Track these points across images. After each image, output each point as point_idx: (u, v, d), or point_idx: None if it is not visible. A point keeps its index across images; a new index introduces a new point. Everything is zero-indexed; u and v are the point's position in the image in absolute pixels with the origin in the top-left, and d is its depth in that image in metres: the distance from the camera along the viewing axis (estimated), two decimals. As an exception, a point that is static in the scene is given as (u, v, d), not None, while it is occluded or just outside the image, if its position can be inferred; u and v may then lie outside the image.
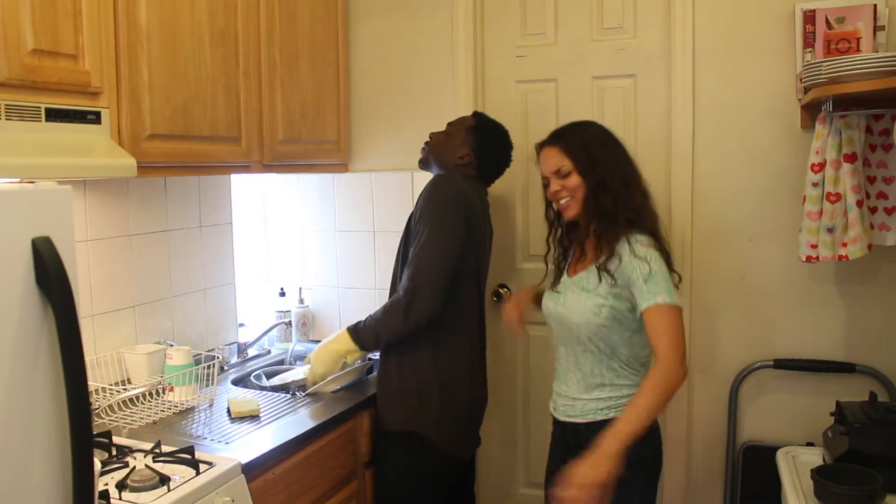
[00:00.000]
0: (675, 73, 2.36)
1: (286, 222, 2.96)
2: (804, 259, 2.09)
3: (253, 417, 1.99)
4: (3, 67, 1.48)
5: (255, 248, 2.93)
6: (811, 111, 2.16)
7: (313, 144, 2.55)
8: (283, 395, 2.21)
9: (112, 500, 1.47)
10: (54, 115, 1.58)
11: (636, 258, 1.74)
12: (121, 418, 1.92)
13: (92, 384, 1.92)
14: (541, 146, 1.93)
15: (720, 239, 2.36)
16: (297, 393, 2.20)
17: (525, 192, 2.63)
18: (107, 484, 1.53)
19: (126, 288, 2.26)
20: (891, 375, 2.20)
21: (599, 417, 1.82)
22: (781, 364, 2.29)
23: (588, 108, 2.52)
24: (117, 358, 2.17)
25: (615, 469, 1.61)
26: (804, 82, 1.99)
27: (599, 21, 2.49)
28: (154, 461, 1.66)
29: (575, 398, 1.87)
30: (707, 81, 2.33)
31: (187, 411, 2.04)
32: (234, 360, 2.59)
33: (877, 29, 2.09)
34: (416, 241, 2.02)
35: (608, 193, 1.80)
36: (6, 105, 1.48)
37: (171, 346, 2.23)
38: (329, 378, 2.22)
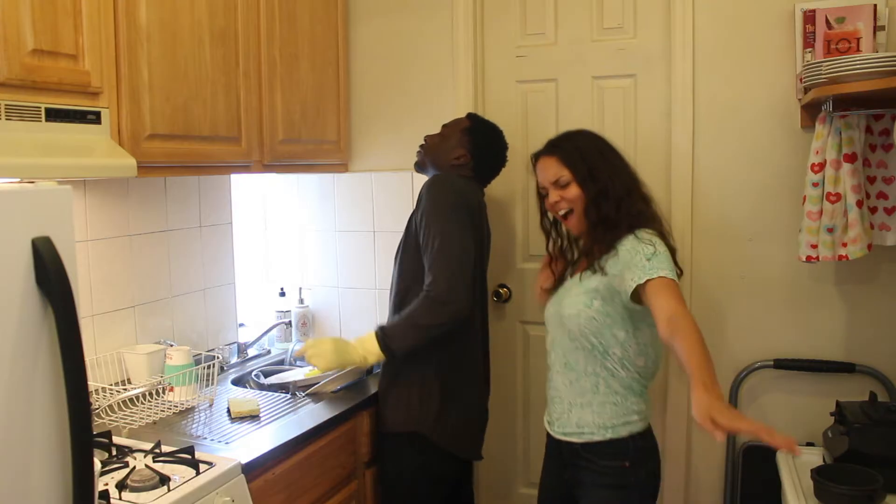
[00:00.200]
0: (675, 73, 2.36)
1: (286, 222, 2.96)
2: (804, 259, 2.09)
3: (253, 417, 1.99)
4: (3, 67, 1.48)
5: (255, 248, 2.93)
6: (811, 111, 2.16)
7: (313, 144, 2.55)
8: (283, 395, 2.21)
9: (112, 500, 1.47)
10: (54, 115, 1.58)
11: (640, 242, 1.73)
12: (121, 418, 1.92)
13: (92, 384, 1.92)
14: (537, 156, 1.92)
15: (720, 239, 2.36)
16: (297, 393, 2.20)
17: (525, 192, 2.63)
18: (107, 484, 1.53)
19: (126, 288, 2.26)
20: (891, 375, 2.20)
21: (597, 438, 1.79)
22: (781, 364, 2.29)
23: (588, 108, 2.52)
24: (117, 358, 2.17)
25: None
26: (804, 82, 1.99)
27: (599, 21, 2.49)
28: (154, 461, 1.66)
29: (571, 405, 1.84)
30: (707, 81, 2.33)
31: (187, 411, 2.04)
32: (234, 360, 2.59)
33: (877, 29, 2.09)
34: (428, 245, 2.00)
35: (609, 201, 1.79)
36: (6, 105, 1.48)
37: (171, 346, 2.23)
38: (329, 378, 2.23)
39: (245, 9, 2.17)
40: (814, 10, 2.15)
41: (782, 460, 2.08)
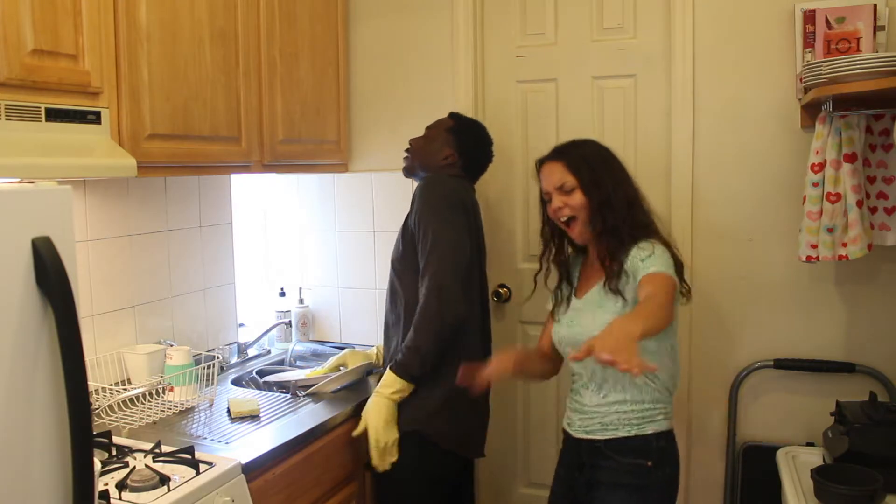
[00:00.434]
0: (675, 73, 2.36)
1: (286, 222, 2.96)
2: (804, 259, 2.09)
3: (253, 417, 1.99)
4: (3, 67, 1.48)
5: (255, 248, 2.93)
6: (811, 111, 2.16)
7: (313, 144, 2.55)
8: (283, 395, 2.21)
9: (112, 500, 1.47)
10: (54, 115, 1.58)
11: (640, 250, 1.75)
12: (121, 418, 1.92)
13: (92, 384, 1.92)
14: (542, 162, 1.92)
15: (720, 239, 2.36)
16: (297, 393, 2.20)
17: (525, 192, 2.63)
18: (107, 484, 1.53)
19: (126, 288, 2.26)
20: (891, 375, 2.20)
21: (621, 434, 1.79)
22: (781, 364, 2.29)
23: (588, 108, 2.52)
24: (117, 358, 2.17)
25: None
26: (804, 82, 1.99)
27: (599, 21, 2.49)
28: (154, 461, 1.66)
29: (595, 407, 1.84)
30: (707, 81, 2.33)
31: (187, 411, 2.04)
32: (234, 360, 2.59)
33: (877, 29, 2.09)
34: (423, 246, 2.00)
35: (613, 211, 1.80)
36: (6, 105, 1.48)
37: (171, 346, 2.23)
38: (329, 378, 2.23)
39: (245, 9, 2.17)
40: (814, 10, 2.15)
41: (782, 460, 2.08)
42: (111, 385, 2.06)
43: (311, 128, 2.51)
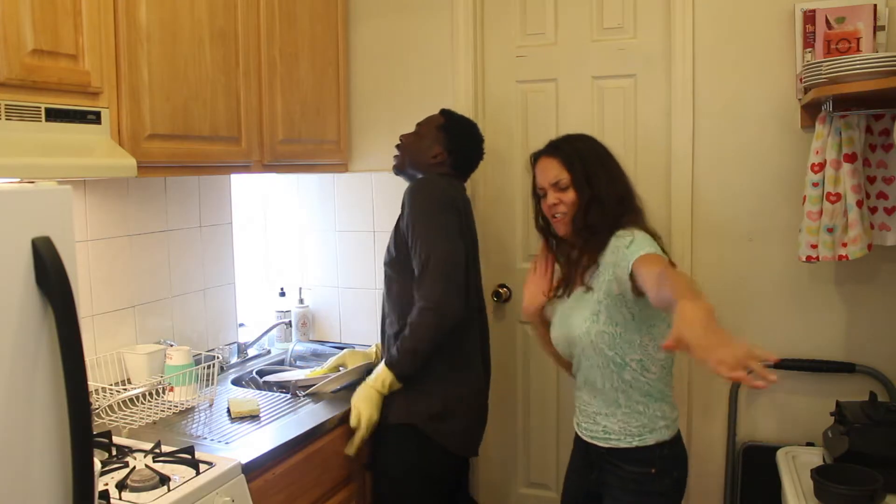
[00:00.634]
0: (675, 73, 2.36)
1: (286, 222, 2.96)
2: (804, 259, 2.09)
3: (253, 417, 1.99)
4: (3, 67, 1.48)
5: (255, 248, 2.93)
6: (811, 111, 2.16)
7: (313, 144, 2.55)
8: (283, 395, 2.21)
9: (112, 500, 1.48)
10: (54, 115, 1.58)
11: (618, 238, 1.73)
12: (121, 418, 1.92)
13: (92, 384, 1.92)
14: (537, 156, 1.91)
15: (720, 239, 2.36)
16: (297, 393, 2.20)
17: (525, 192, 2.62)
18: (107, 484, 1.53)
19: (126, 288, 2.25)
20: (891, 375, 2.20)
21: (623, 445, 1.79)
22: (781, 364, 2.28)
23: (588, 108, 2.52)
24: (117, 358, 2.17)
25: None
26: (804, 82, 1.99)
27: (599, 21, 2.49)
28: (154, 461, 1.66)
29: (596, 414, 1.84)
30: (707, 81, 2.33)
31: (187, 411, 2.04)
32: (234, 360, 2.59)
33: (877, 29, 2.09)
34: (416, 252, 2.01)
35: (599, 208, 1.79)
36: (6, 105, 1.48)
37: (171, 346, 2.23)
38: (329, 378, 2.23)
39: (245, 9, 2.17)
40: (814, 10, 2.15)
41: (782, 460, 2.08)
42: (111, 385, 2.06)
43: (311, 128, 2.51)
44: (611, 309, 1.75)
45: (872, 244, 2.06)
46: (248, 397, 2.16)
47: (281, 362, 2.68)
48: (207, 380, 2.13)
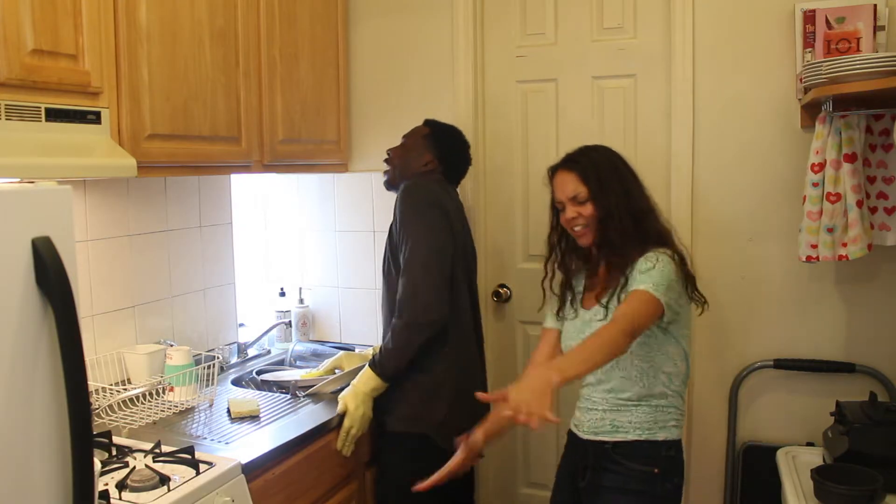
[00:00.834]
0: (675, 73, 2.36)
1: (286, 222, 2.96)
2: (804, 259, 2.09)
3: (253, 417, 1.99)
4: (3, 67, 1.48)
5: (255, 248, 2.93)
6: (811, 111, 2.16)
7: (313, 144, 2.55)
8: (283, 395, 2.21)
9: (112, 500, 1.48)
10: (54, 115, 1.58)
11: (645, 261, 1.74)
12: (121, 418, 1.92)
13: (92, 384, 1.92)
14: (554, 170, 1.89)
15: (720, 239, 2.36)
16: (297, 393, 2.20)
17: (525, 192, 2.63)
18: (107, 484, 1.53)
19: (126, 288, 2.25)
20: (891, 375, 2.20)
21: (631, 437, 1.78)
22: (781, 364, 2.29)
23: (588, 108, 2.52)
24: (117, 358, 2.17)
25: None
26: (804, 82, 1.99)
27: (599, 21, 2.49)
28: (154, 461, 1.66)
29: (605, 410, 1.82)
30: (707, 81, 2.33)
31: (187, 411, 2.04)
32: (234, 360, 2.59)
33: (877, 29, 2.09)
34: (402, 251, 2.02)
35: (617, 221, 1.78)
36: (6, 105, 1.48)
37: (171, 346, 2.23)
38: (329, 379, 2.23)
39: (245, 9, 2.16)
40: (814, 10, 2.15)
41: (782, 460, 2.08)
42: (111, 385, 2.05)
43: (311, 128, 2.51)
44: None
45: (872, 244, 2.06)
46: (247, 397, 2.16)
47: (281, 362, 2.68)
48: (207, 380, 2.13)
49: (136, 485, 1.52)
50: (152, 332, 2.34)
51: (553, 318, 1.97)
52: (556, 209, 1.91)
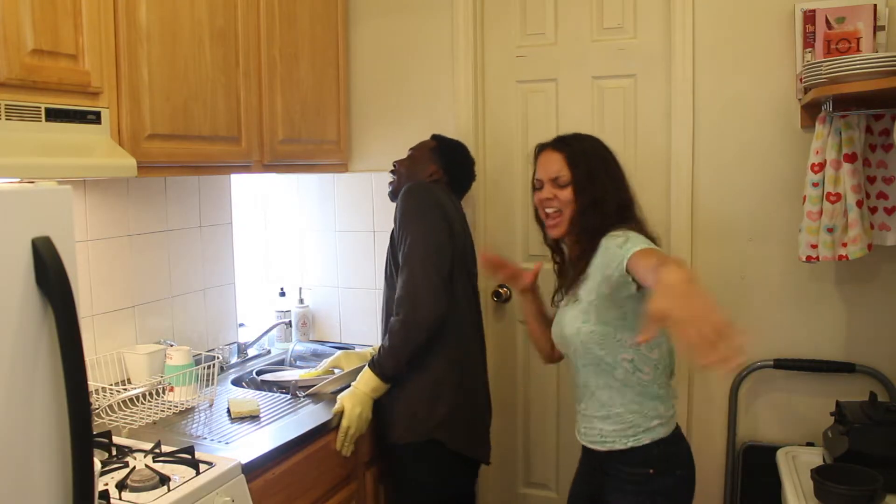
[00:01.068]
0: (675, 73, 2.36)
1: (286, 222, 2.96)
2: (804, 259, 2.09)
3: (253, 418, 1.99)
4: (3, 67, 1.48)
5: (255, 248, 2.93)
6: (811, 111, 2.16)
7: (313, 144, 2.55)
8: (283, 395, 2.21)
9: (112, 500, 1.47)
10: (54, 115, 1.58)
11: (612, 238, 1.71)
12: (121, 418, 1.92)
13: (92, 384, 1.92)
14: (542, 147, 1.89)
15: (720, 239, 2.36)
16: (297, 393, 2.20)
17: (525, 192, 2.62)
18: (107, 484, 1.53)
19: (126, 288, 2.25)
20: (891, 375, 2.20)
21: (618, 447, 1.78)
22: (781, 364, 2.29)
23: (588, 108, 2.52)
24: (117, 358, 2.17)
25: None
26: (804, 82, 1.99)
27: (599, 21, 2.49)
28: (154, 461, 1.66)
29: (593, 417, 1.83)
30: (707, 81, 2.33)
31: (187, 411, 2.04)
32: (234, 360, 2.59)
33: (877, 29, 2.09)
34: (401, 250, 2.03)
35: (598, 213, 1.77)
36: (6, 105, 1.48)
37: (171, 346, 2.23)
38: (329, 379, 2.23)
39: (245, 9, 2.16)
40: (814, 10, 2.15)
41: (782, 460, 2.08)
42: (111, 385, 2.05)
43: (311, 128, 2.51)
44: (600, 309, 1.74)
45: (872, 244, 2.06)
46: (247, 397, 2.16)
47: (281, 362, 2.68)
48: (207, 380, 2.13)
49: (136, 485, 1.52)
50: (152, 332, 2.34)
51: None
52: (534, 187, 1.89)
